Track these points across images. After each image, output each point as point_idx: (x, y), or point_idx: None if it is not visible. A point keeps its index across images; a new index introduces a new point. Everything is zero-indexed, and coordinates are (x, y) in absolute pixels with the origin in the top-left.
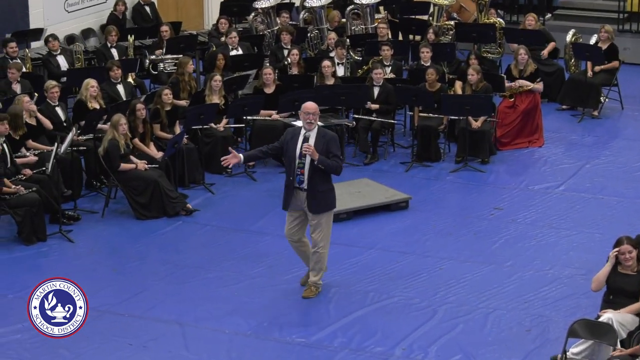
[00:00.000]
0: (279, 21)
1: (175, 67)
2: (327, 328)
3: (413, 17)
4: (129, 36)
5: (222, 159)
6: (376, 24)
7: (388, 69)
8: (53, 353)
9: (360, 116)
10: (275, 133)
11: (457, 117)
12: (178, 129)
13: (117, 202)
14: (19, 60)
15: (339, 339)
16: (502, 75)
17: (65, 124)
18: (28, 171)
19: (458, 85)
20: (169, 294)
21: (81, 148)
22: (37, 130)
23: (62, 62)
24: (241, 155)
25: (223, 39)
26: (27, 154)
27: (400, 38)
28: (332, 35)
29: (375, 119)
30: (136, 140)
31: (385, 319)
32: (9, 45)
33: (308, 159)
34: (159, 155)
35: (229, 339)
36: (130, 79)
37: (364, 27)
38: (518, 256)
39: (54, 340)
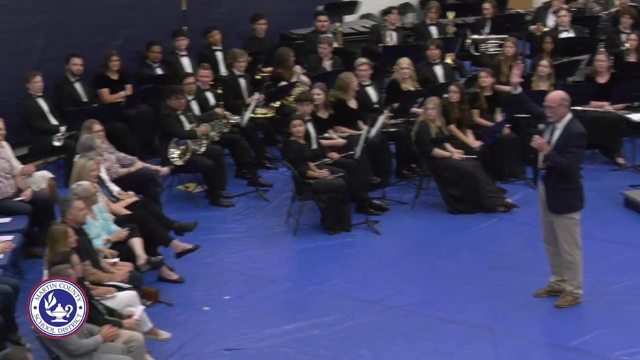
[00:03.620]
0: (617, 2)
1: (500, 49)
2: None
3: None
4: (448, 13)
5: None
6: None
7: None
8: (352, 353)
9: None
10: (608, 126)
11: None
12: (499, 117)
13: (428, 193)
14: (330, 35)
15: None
16: None
17: (377, 106)
18: (335, 155)
19: None
20: (481, 297)
21: (391, 130)
22: (354, 114)
23: (395, 38)
24: None
25: (552, 19)
26: (334, 136)
27: None
28: None
29: None
30: (452, 126)
31: None
32: (318, 19)
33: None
34: (476, 144)
35: (545, 351)
36: (448, 60)
37: None
38: None
39: (353, 339)
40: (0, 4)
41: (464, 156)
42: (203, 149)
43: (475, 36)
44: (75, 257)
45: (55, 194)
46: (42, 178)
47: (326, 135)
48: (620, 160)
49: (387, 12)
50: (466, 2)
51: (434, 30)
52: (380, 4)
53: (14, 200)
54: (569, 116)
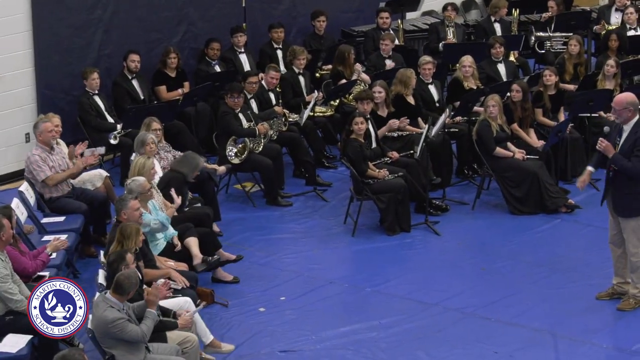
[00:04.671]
0: None
1: (564, 47)
2: None
3: None
4: (513, 10)
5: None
6: None
7: None
8: (410, 355)
9: None
10: None
11: None
12: (562, 116)
13: (489, 194)
14: (391, 32)
15: None
16: None
17: (437, 104)
18: (395, 154)
19: None
20: (542, 300)
21: (452, 130)
22: (413, 110)
23: (451, 35)
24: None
25: (615, 17)
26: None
27: None
28: None
29: None
30: (515, 125)
31: None
32: (380, 15)
33: None
34: (539, 144)
35: (607, 355)
36: (512, 58)
37: None
38: None
39: (411, 342)
40: (56, 0)
41: (526, 156)
42: (261, 148)
43: (539, 33)
44: (129, 257)
45: (111, 192)
46: (97, 176)
47: (386, 134)
48: None
49: (444, 8)
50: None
51: (498, 28)
52: (443, 0)
53: (70, 199)
54: (636, 118)
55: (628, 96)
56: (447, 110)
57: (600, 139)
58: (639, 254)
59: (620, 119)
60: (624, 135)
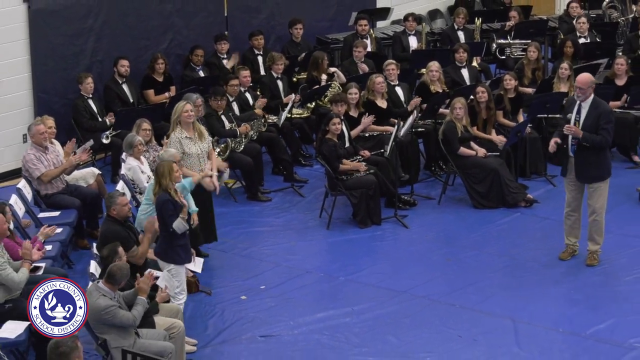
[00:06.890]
0: (634, 8)
1: (523, 53)
2: None
3: None
4: (476, 19)
5: None
6: None
7: None
8: (381, 340)
9: None
10: (625, 126)
11: None
12: (521, 118)
13: (454, 190)
14: (364, 40)
15: None
16: None
17: (405, 105)
18: (366, 152)
19: None
20: (503, 288)
21: (419, 130)
22: (383, 113)
23: (413, 43)
24: None
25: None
26: (366, 135)
27: None
28: None
29: None
30: (474, 129)
31: None
32: (359, 22)
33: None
34: (499, 138)
35: (563, 339)
36: (475, 63)
37: None
38: None
39: (382, 327)
40: (51, 10)
41: (488, 153)
42: (242, 147)
43: (500, 41)
44: (121, 250)
45: (102, 189)
46: (90, 174)
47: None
48: (637, 159)
49: (405, 19)
50: (492, 9)
51: (461, 35)
52: (410, 10)
53: (64, 196)
54: (592, 96)
55: (589, 76)
56: (415, 111)
57: (567, 125)
58: (602, 213)
59: (583, 97)
60: (584, 112)
